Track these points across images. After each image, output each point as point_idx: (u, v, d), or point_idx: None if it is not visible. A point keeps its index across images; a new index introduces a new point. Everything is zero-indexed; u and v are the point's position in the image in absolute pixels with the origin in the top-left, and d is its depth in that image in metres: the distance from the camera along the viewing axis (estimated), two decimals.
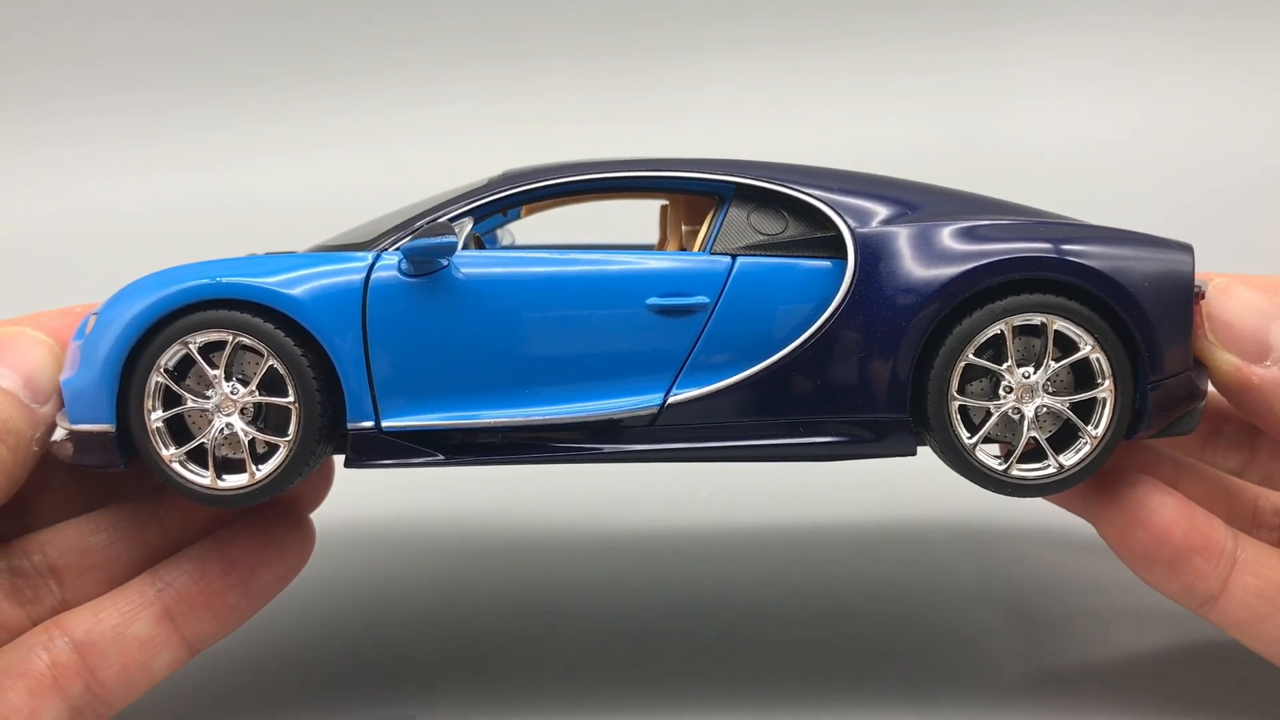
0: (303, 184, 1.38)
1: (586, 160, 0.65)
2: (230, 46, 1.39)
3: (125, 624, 0.60)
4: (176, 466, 0.58)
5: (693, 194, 0.65)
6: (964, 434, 0.58)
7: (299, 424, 0.58)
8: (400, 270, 0.59)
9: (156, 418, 0.58)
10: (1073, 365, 0.59)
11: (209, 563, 0.62)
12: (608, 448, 0.60)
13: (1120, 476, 0.61)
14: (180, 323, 0.57)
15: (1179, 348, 0.59)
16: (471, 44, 1.39)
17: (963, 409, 0.58)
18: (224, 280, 0.58)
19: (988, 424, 0.58)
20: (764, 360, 0.59)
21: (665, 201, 0.73)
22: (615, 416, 0.60)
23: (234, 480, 0.58)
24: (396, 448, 0.59)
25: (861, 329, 0.58)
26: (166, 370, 0.58)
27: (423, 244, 0.58)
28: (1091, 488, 0.62)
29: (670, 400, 0.60)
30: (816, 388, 0.59)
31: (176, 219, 1.36)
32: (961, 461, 0.59)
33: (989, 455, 0.59)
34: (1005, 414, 0.58)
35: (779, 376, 0.59)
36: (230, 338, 0.57)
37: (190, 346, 0.57)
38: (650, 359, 0.60)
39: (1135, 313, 0.58)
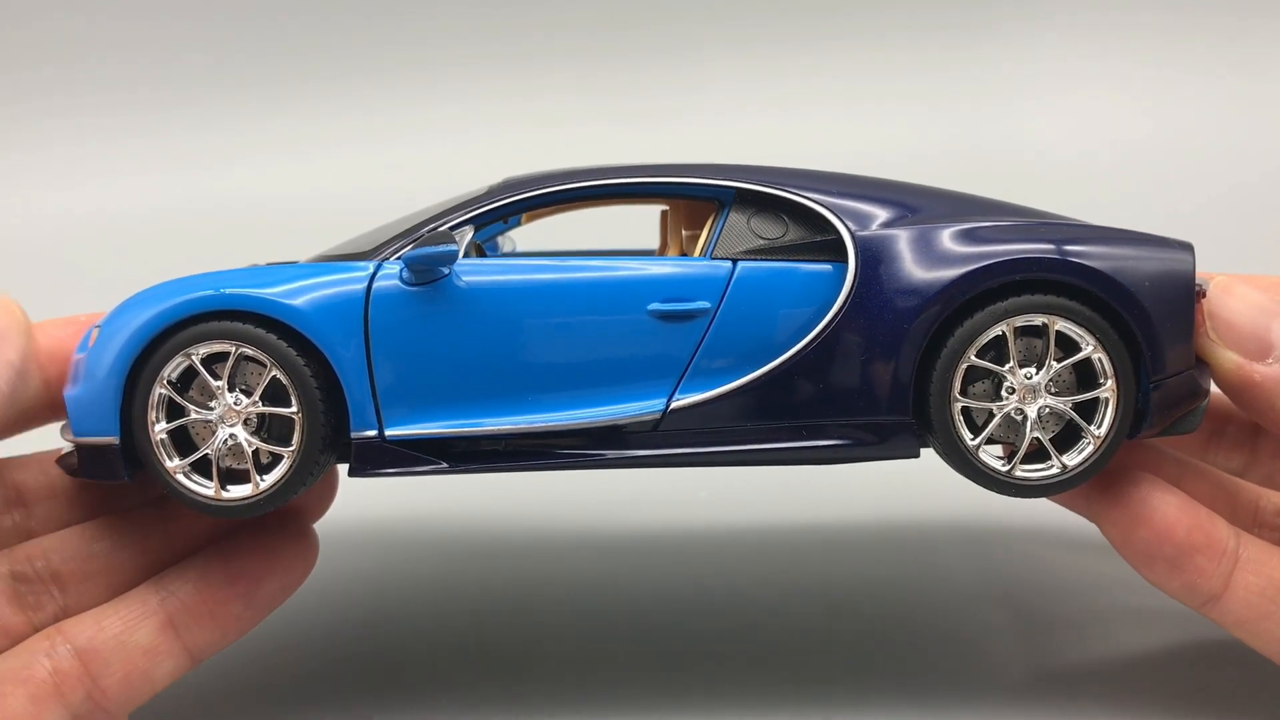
0: (303, 184, 1.38)
1: (587, 167, 0.64)
2: (230, 46, 1.39)
3: (128, 632, 0.60)
4: (181, 478, 0.58)
5: (693, 199, 0.65)
6: (967, 436, 0.58)
7: (302, 434, 0.58)
8: (402, 279, 0.59)
9: (160, 429, 0.58)
10: (1075, 365, 0.59)
11: (213, 572, 0.62)
12: (611, 453, 0.60)
13: (1123, 475, 0.62)
14: (183, 334, 0.58)
15: (1180, 346, 0.59)
16: (472, 44, 1.39)
17: (965, 410, 0.59)
18: (226, 291, 0.58)
19: (991, 425, 0.58)
20: (766, 364, 0.59)
21: (665, 207, 0.73)
22: (619, 422, 0.60)
23: (238, 491, 0.58)
24: (400, 456, 0.59)
25: (863, 332, 0.59)
26: (170, 382, 0.58)
27: (424, 253, 0.58)
28: (1094, 487, 0.62)
29: (673, 405, 0.60)
30: (819, 391, 0.59)
31: (176, 219, 1.36)
32: (965, 463, 0.59)
33: (992, 456, 0.59)
34: (1008, 415, 0.58)
35: (781, 380, 0.59)
36: (233, 348, 0.58)
37: (193, 358, 0.58)
38: (653, 364, 0.60)
39: (1137, 312, 0.58)
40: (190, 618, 0.61)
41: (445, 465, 0.59)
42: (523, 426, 0.59)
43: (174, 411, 0.58)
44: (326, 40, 1.39)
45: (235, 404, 0.58)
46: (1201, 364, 0.60)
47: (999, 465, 0.59)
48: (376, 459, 0.59)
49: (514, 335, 0.59)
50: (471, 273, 0.60)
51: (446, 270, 0.59)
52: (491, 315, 0.59)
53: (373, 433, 0.59)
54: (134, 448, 0.58)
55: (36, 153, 1.39)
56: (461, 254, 0.59)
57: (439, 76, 1.40)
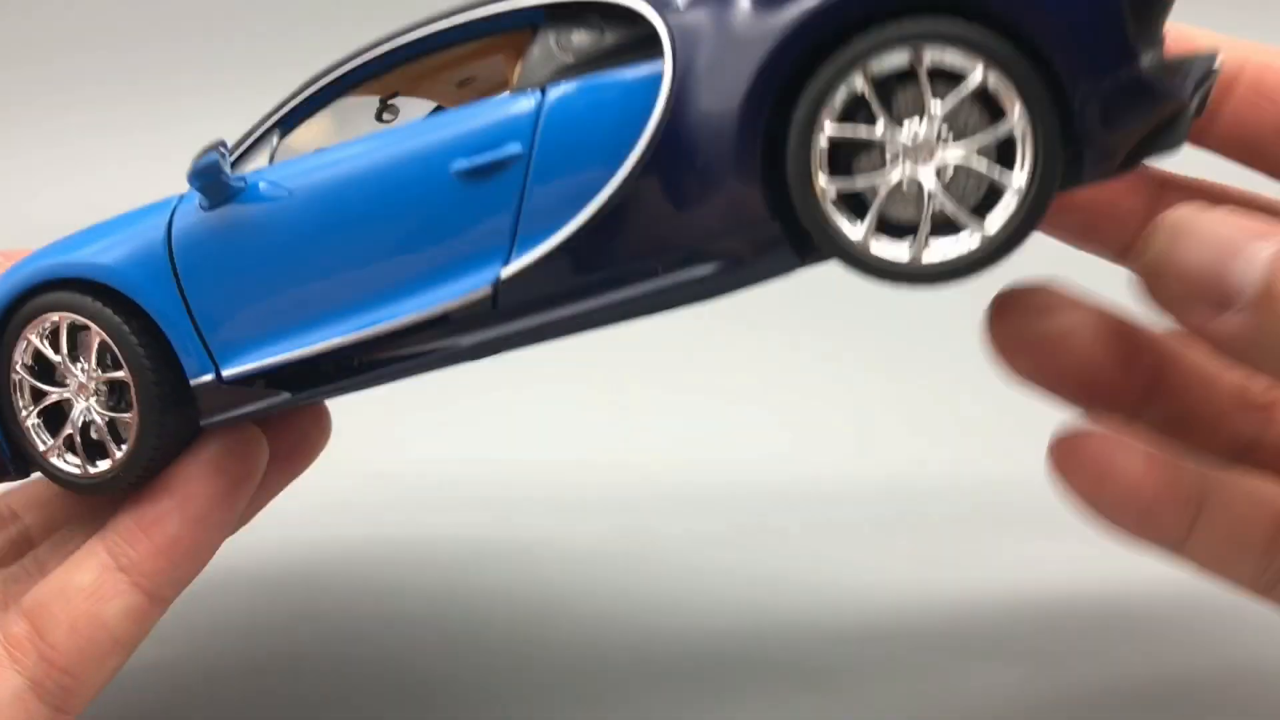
0: None
1: (391, 33, 0.57)
2: (230, 45, 1.40)
3: (68, 576, 0.57)
4: (54, 459, 0.57)
5: (508, 34, 0.55)
6: (850, 229, 0.46)
7: (137, 394, 0.54)
8: (200, 206, 0.54)
9: (29, 414, 0.57)
10: (984, 102, 0.45)
11: (141, 493, 0.58)
12: (450, 343, 0.51)
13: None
14: (15, 318, 0.56)
15: (1112, 31, 0.43)
16: None
17: (853, 197, 0.46)
18: (37, 267, 0.56)
19: (876, 206, 0.45)
20: (596, 201, 0.49)
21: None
22: (450, 308, 0.51)
23: (104, 465, 0.56)
24: (244, 395, 0.54)
25: (695, 134, 0.47)
26: (26, 366, 0.56)
27: (192, 169, 0.53)
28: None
29: (505, 275, 0.50)
30: (663, 218, 0.48)
31: None
32: (856, 262, 0.46)
33: (889, 246, 0.46)
34: (905, 188, 0.45)
35: (617, 216, 0.48)
36: (59, 320, 0.55)
37: (31, 338, 0.56)
38: (474, 233, 0.51)
39: (1025, 7, 0.44)
40: (127, 544, 0.56)
41: (288, 396, 0.54)
42: (356, 336, 0.52)
43: (39, 395, 0.57)
44: (326, 39, 1.39)
45: (84, 377, 0.56)
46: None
47: (899, 254, 0.45)
48: (222, 403, 0.54)
49: (320, 239, 0.53)
50: (265, 180, 0.54)
51: (241, 184, 0.54)
52: (292, 223, 0.53)
53: (210, 376, 0.54)
54: (19, 442, 0.57)
55: (35, 150, 1.40)
56: (271, 156, 0.54)
57: None
